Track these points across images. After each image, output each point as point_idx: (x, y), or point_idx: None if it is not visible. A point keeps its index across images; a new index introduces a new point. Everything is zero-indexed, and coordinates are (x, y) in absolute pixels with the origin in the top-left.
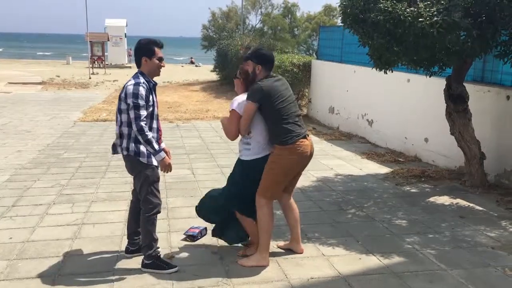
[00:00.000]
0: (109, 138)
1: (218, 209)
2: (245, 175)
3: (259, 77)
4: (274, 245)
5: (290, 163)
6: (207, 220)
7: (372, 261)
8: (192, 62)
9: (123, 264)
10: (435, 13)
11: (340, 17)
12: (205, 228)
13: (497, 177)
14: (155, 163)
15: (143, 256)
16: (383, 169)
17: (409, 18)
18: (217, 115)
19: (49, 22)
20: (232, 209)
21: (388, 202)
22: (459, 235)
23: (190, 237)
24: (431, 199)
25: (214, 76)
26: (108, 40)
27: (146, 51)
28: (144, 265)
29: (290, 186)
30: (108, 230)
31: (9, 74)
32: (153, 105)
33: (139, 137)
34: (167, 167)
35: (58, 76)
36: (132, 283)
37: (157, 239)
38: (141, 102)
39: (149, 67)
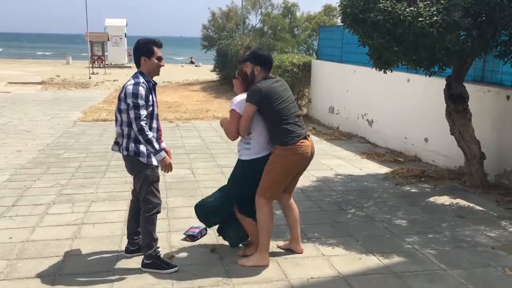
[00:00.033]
0: (109, 138)
1: (218, 209)
2: (245, 175)
3: (258, 78)
4: (274, 245)
5: (291, 163)
6: (207, 224)
7: (372, 261)
8: (192, 62)
9: (123, 264)
10: (434, 12)
11: (340, 17)
12: (205, 228)
13: (497, 177)
14: (155, 163)
15: (143, 256)
16: (383, 169)
17: (409, 18)
18: (217, 115)
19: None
20: (232, 209)
21: (388, 202)
22: (459, 235)
23: (190, 237)
24: (431, 199)
25: (214, 76)
26: (108, 40)
27: (145, 51)
28: (144, 265)
29: (291, 186)
30: (108, 230)
31: (9, 74)
32: (152, 104)
33: (140, 137)
34: (168, 167)
35: (58, 76)
36: (132, 283)
37: (157, 239)
38: (141, 102)
39: (148, 66)
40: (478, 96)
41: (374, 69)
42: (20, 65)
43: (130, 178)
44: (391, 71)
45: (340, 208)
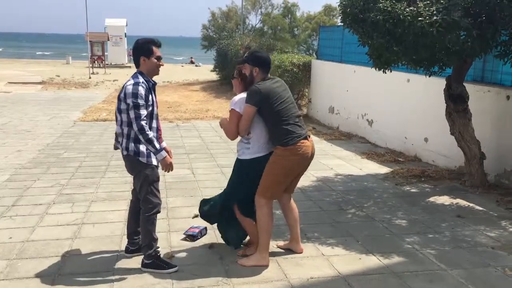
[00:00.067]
0: (109, 138)
1: (218, 209)
2: (245, 174)
3: (257, 79)
4: (273, 245)
5: (291, 163)
6: (209, 221)
7: (372, 261)
8: (192, 62)
9: (123, 263)
10: (434, 12)
11: (340, 17)
12: (205, 228)
13: (497, 177)
14: (154, 162)
15: (143, 255)
16: (383, 169)
17: (409, 18)
18: (217, 115)
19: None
20: (232, 209)
21: (388, 202)
22: (459, 235)
23: (190, 236)
24: (431, 199)
25: (214, 76)
26: (108, 39)
27: (144, 51)
28: (144, 264)
29: (291, 186)
30: (108, 230)
31: (9, 74)
32: (152, 104)
33: (140, 137)
34: (169, 166)
35: (58, 76)
36: (132, 283)
37: (157, 238)
38: (141, 102)
39: (147, 66)
40: (478, 96)
41: (374, 69)
42: (20, 65)
43: (130, 178)
44: (390, 71)
45: (340, 208)
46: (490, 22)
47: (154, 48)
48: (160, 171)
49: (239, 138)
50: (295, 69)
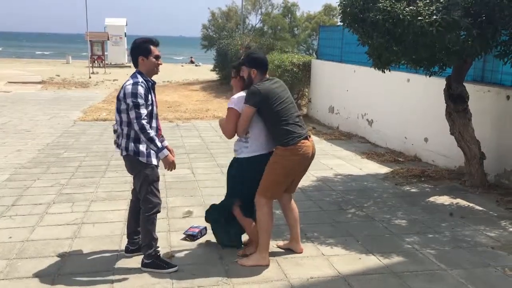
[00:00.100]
0: (109, 138)
1: (218, 208)
2: (245, 174)
3: (255, 80)
4: (273, 245)
5: (292, 164)
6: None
7: (372, 261)
8: (192, 62)
9: (123, 263)
10: (434, 11)
11: (340, 17)
12: (205, 228)
13: (497, 177)
14: (154, 162)
15: (143, 255)
16: (383, 169)
17: (408, 17)
18: (217, 115)
19: (49, 22)
20: (231, 209)
21: (388, 202)
22: (459, 235)
23: (190, 236)
24: (431, 199)
25: (214, 76)
26: (108, 39)
27: (142, 50)
28: (144, 264)
29: (292, 186)
30: (108, 230)
31: (9, 73)
32: (152, 104)
33: (141, 136)
34: (171, 165)
35: (58, 76)
36: (132, 283)
37: (157, 238)
38: (141, 101)
39: (146, 66)
40: (478, 96)
41: (374, 68)
42: (20, 65)
43: (130, 178)
44: (389, 71)
45: (340, 208)
46: (490, 22)
47: (152, 48)
48: (160, 170)
49: (236, 137)
50: (295, 69)
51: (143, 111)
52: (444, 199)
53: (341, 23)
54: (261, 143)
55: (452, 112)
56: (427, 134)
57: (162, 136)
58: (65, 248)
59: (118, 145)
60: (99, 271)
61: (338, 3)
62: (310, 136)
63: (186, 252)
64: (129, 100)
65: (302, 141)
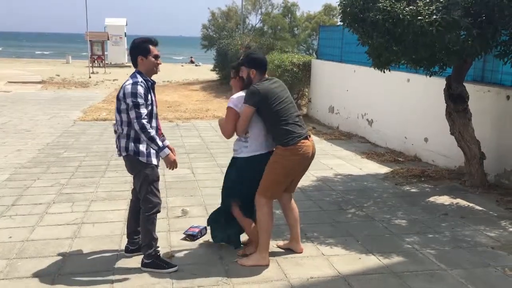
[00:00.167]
0: (109, 138)
1: (219, 209)
2: (244, 174)
3: (255, 81)
4: (273, 245)
5: (292, 163)
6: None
7: (372, 260)
8: (192, 62)
9: (123, 263)
10: (434, 11)
11: (340, 17)
12: (205, 228)
13: (497, 177)
14: (154, 162)
15: (142, 255)
16: (383, 169)
17: (408, 17)
18: (217, 115)
19: (49, 22)
20: (229, 209)
21: (388, 202)
22: (459, 235)
23: (190, 236)
24: (431, 199)
25: (214, 76)
26: (108, 39)
27: (141, 50)
28: (144, 264)
29: (292, 186)
30: (107, 229)
31: (9, 73)
32: (152, 104)
33: (142, 135)
34: (173, 164)
35: (58, 75)
36: (132, 282)
37: (157, 238)
38: (141, 101)
39: (145, 65)
40: (478, 96)
41: (374, 68)
42: (20, 64)
43: (130, 178)
44: (389, 71)
45: (340, 208)
46: (490, 22)
47: (151, 47)
48: (160, 170)
49: (235, 137)
50: (295, 69)
51: (143, 111)
52: (444, 199)
53: (341, 23)
54: (261, 143)
55: (452, 112)
56: (427, 134)
57: (163, 136)
58: (65, 248)
59: (117, 146)
60: (99, 271)
61: (338, 3)
62: (310, 136)
63: (186, 252)
64: (129, 100)
65: (302, 141)
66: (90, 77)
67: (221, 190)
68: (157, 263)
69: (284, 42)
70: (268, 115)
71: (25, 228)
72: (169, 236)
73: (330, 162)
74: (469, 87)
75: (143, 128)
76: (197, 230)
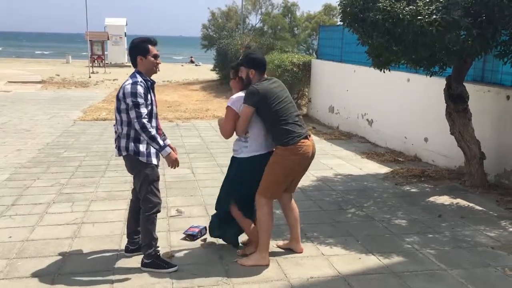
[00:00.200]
0: (109, 137)
1: (217, 208)
2: (244, 174)
3: (254, 81)
4: (273, 245)
5: (292, 163)
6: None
7: (372, 260)
8: (192, 61)
9: (123, 263)
10: (434, 11)
11: (340, 16)
12: (205, 228)
13: (497, 177)
14: (154, 162)
15: (142, 255)
16: (383, 169)
17: (408, 17)
18: (217, 114)
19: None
20: (228, 209)
21: (388, 202)
22: (459, 235)
23: (190, 236)
24: (431, 199)
25: (214, 75)
26: (108, 39)
27: (140, 50)
28: (143, 264)
29: (292, 186)
30: (107, 229)
31: (8, 73)
32: (151, 103)
33: (143, 135)
34: (174, 162)
35: (58, 75)
36: (132, 282)
37: (157, 238)
38: (141, 100)
39: (145, 65)
40: (478, 96)
41: (373, 68)
42: (20, 64)
43: (130, 177)
44: (389, 70)
45: (340, 208)
46: (490, 22)
47: (150, 47)
48: (159, 170)
49: (235, 136)
50: (295, 69)
51: (143, 110)
52: (444, 199)
53: (341, 23)
54: (261, 143)
55: (452, 112)
56: (427, 134)
57: (164, 135)
58: (65, 247)
59: (117, 146)
60: (99, 271)
61: (338, 3)
62: (310, 136)
63: (186, 252)
64: (128, 100)
65: (302, 140)
66: (90, 77)
67: (219, 190)
68: (157, 263)
69: (284, 42)
70: (268, 115)
71: (25, 228)
72: (169, 236)
73: (330, 162)
74: (469, 87)
75: (143, 127)
76: (197, 230)
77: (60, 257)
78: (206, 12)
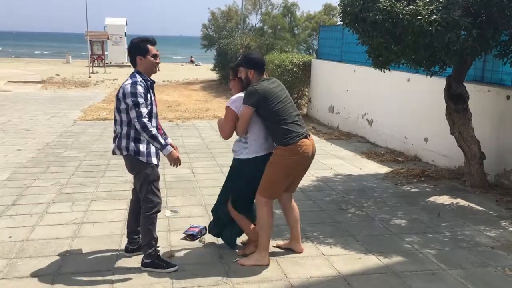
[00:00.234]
0: (109, 137)
1: (216, 208)
2: (245, 174)
3: (253, 81)
4: (273, 245)
5: (291, 163)
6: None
7: (372, 260)
8: (192, 61)
9: (123, 263)
10: (433, 11)
11: (340, 16)
12: (205, 227)
13: (497, 177)
14: (154, 161)
15: (142, 255)
16: (383, 169)
17: (408, 17)
18: (217, 114)
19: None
20: (226, 209)
21: (388, 202)
22: (459, 235)
23: (190, 236)
24: (431, 198)
25: (214, 75)
26: (108, 39)
27: (139, 50)
28: (143, 264)
29: (292, 186)
30: (107, 229)
31: (8, 73)
32: (151, 103)
33: (144, 134)
34: (176, 161)
35: (58, 75)
36: (132, 282)
37: (157, 238)
38: (141, 100)
39: (144, 65)
40: (478, 96)
41: (373, 68)
42: (20, 64)
43: (130, 177)
44: (389, 70)
45: (340, 208)
46: (490, 21)
47: (150, 47)
48: (160, 170)
49: (235, 137)
50: (295, 69)
51: (144, 110)
52: (444, 199)
53: (341, 23)
54: (261, 144)
55: (452, 112)
56: (427, 134)
57: (165, 134)
58: (65, 247)
59: (116, 146)
60: (99, 271)
61: (338, 3)
62: (309, 135)
63: (186, 251)
64: (128, 100)
65: (302, 140)
66: (90, 77)
67: (220, 191)
68: (157, 263)
69: (284, 42)
70: (268, 115)
71: (25, 227)
72: (169, 236)
73: (330, 162)
74: (469, 87)
75: (144, 127)
76: (197, 229)
77: (60, 257)
78: (206, 12)
